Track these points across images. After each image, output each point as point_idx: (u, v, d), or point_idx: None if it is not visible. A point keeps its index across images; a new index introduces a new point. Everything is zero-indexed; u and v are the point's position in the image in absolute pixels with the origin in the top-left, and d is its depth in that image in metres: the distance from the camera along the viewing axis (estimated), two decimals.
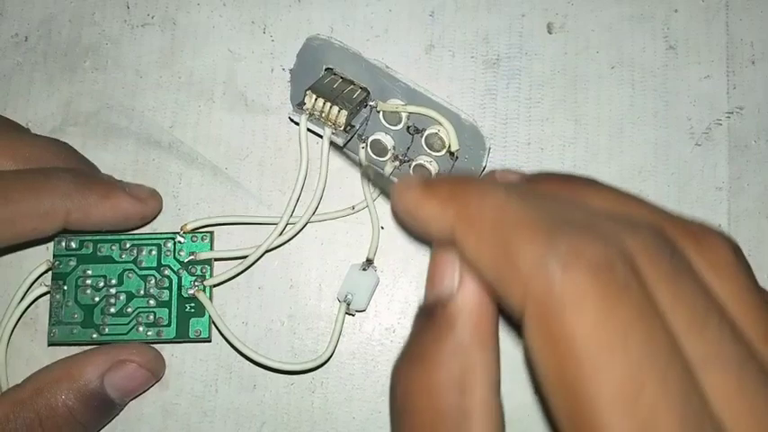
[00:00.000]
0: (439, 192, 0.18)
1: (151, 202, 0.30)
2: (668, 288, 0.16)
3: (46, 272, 0.29)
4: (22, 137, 0.30)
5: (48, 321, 0.29)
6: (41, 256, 0.30)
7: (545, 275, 0.15)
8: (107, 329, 0.29)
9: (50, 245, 0.29)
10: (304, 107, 0.28)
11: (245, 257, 0.29)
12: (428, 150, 0.29)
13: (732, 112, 0.31)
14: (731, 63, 0.31)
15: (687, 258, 0.17)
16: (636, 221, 0.17)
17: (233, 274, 0.29)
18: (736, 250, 0.18)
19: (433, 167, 0.29)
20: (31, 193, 0.27)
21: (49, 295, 0.29)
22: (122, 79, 0.32)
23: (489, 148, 0.28)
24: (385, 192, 0.30)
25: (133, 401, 0.30)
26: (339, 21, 0.32)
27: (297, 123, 0.28)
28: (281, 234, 0.29)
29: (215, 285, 0.29)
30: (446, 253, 0.18)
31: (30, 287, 0.29)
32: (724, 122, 0.31)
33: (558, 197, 0.18)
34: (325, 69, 0.29)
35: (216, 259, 0.30)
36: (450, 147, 0.28)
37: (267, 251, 0.29)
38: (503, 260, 0.16)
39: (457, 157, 0.29)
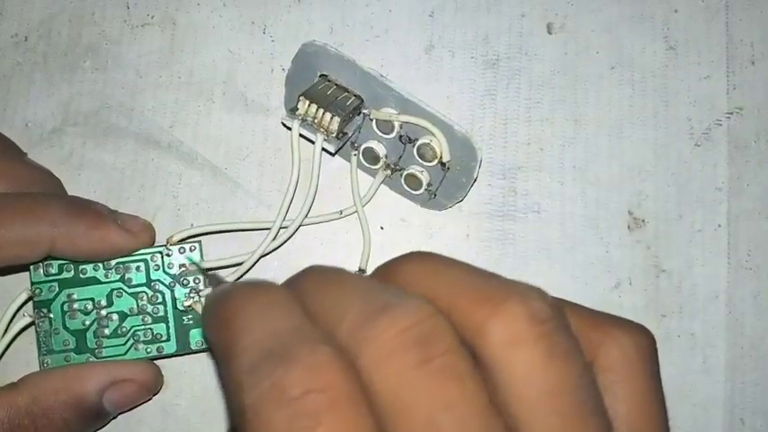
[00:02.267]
0: None
1: (142, 236, 0.28)
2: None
3: (27, 301, 0.28)
4: (18, 160, 0.30)
5: (37, 352, 0.28)
6: (21, 285, 0.29)
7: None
8: (104, 352, 0.28)
9: (29, 272, 0.28)
10: (297, 112, 0.28)
11: (240, 264, 0.29)
12: (420, 160, 0.29)
13: (732, 113, 0.31)
14: (731, 63, 0.31)
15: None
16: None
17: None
18: (639, 348, 0.17)
19: (425, 178, 0.29)
20: (18, 218, 0.26)
21: (34, 326, 0.28)
22: (122, 79, 0.32)
23: (481, 160, 0.28)
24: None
25: None
26: (339, 21, 0.32)
27: (289, 129, 0.28)
28: (274, 238, 0.29)
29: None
30: None
31: (11, 319, 0.28)
32: (724, 123, 0.31)
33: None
34: (320, 76, 0.29)
35: (208, 269, 0.29)
36: (441, 157, 0.28)
37: (260, 258, 0.29)
38: None
39: (448, 168, 0.29)
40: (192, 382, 0.30)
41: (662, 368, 0.29)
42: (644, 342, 0.18)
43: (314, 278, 0.18)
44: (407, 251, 0.31)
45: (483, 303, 0.16)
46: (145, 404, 0.30)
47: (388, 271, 0.18)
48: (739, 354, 0.30)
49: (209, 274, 0.28)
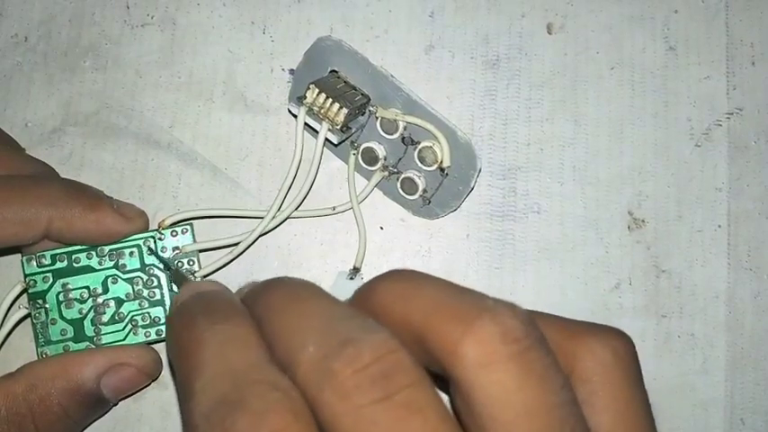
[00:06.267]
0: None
1: (137, 222, 0.29)
2: None
3: (21, 294, 0.28)
4: (17, 153, 0.30)
5: (35, 344, 0.28)
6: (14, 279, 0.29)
7: None
8: (103, 339, 0.28)
9: (21, 264, 0.28)
10: (304, 100, 0.28)
11: (235, 245, 0.29)
12: (419, 164, 0.29)
13: (732, 113, 0.31)
14: (731, 63, 0.31)
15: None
16: None
17: (223, 264, 0.29)
18: (616, 355, 0.17)
19: (421, 183, 0.29)
20: (17, 198, 0.26)
21: (30, 318, 0.28)
22: (122, 79, 0.32)
23: (480, 170, 0.28)
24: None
25: (133, 402, 0.30)
26: (339, 21, 0.32)
27: (294, 115, 0.28)
28: (273, 218, 0.29)
29: (206, 276, 0.29)
30: None
31: (6, 313, 0.28)
32: (724, 123, 0.31)
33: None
34: (330, 71, 0.29)
35: (201, 250, 0.29)
36: (442, 162, 0.28)
37: (258, 237, 0.29)
38: None
39: (447, 174, 0.29)
40: None
41: (662, 368, 0.30)
42: (621, 348, 0.18)
43: (279, 296, 0.18)
44: (407, 252, 0.31)
45: (455, 323, 0.16)
46: (145, 404, 0.30)
47: (366, 293, 0.18)
48: (739, 354, 0.30)
49: (174, 270, 0.28)
